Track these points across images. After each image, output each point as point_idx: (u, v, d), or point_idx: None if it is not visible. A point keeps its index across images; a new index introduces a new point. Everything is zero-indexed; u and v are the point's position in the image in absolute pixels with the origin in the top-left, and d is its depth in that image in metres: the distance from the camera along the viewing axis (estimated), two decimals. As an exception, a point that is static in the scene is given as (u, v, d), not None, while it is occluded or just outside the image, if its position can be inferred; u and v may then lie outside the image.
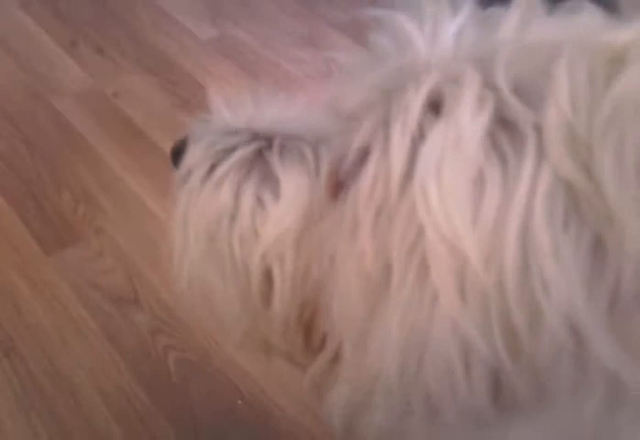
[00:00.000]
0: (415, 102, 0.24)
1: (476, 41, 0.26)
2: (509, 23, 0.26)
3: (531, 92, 0.23)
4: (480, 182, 0.23)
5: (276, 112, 0.34)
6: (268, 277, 0.30)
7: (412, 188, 0.24)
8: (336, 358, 0.29)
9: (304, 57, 1.30)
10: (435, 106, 0.24)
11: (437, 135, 0.24)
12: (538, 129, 0.22)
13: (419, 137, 0.24)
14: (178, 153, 0.34)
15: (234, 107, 0.34)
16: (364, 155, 0.26)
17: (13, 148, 1.10)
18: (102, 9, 1.40)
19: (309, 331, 0.31)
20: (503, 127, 0.23)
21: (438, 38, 0.27)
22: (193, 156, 0.33)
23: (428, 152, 0.23)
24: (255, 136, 0.32)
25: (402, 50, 0.27)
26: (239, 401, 0.76)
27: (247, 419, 0.75)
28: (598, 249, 0.22)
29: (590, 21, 0.26)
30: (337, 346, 0.28)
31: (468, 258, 0.22)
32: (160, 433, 0.73)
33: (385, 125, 0.25)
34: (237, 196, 0.31)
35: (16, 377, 0.79)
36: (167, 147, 1.08)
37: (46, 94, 1.20)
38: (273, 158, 0.31)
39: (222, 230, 0.30)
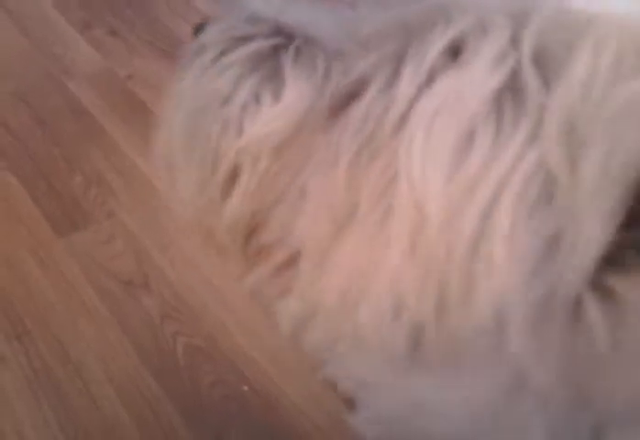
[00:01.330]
0: (437, 43, 0.24)
1: None
2: None
3: (549, 65, 0.22)
4: (466, 145, 0.22)
5: (307, 10, 0.31)
6: (234, 172, 0.29)
7: (402, 132, 0.23)
8: (277, 271, 0.30)
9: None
10: (455, 53, 0.24)
11: (445, 82, 0.23)
12: (541, 107, 0.22)
13: (427, 81, 0.24)
14: (199, 31, 0.33)
15: None
16: (363, 85, 0.26)
17: (26, 129, 1.11)
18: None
19: (250, 237, 0.31)
20: (511, 93, 0.22)
21: None
22: (206, 36, 0.31)
23: (430, 98, 0.23)
24: (276, 30, 0.30)
25: None
26: (245, 387, 0.77)
27: (253, 405, 0.76)
28: (552, 246, 0.21)
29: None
30: (283, 259, 0.29)
31: (429, 218, 0.22)
32: (167, 418, 0.74)
33: (397, 59, 0.25)
34: (235, 86, 0.29)
35: (27, 359, 0.80)
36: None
37: (60, 75, 1.20)
38: (287, 59, 0.29)
39: (208, 113, 0.29)
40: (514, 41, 0.23)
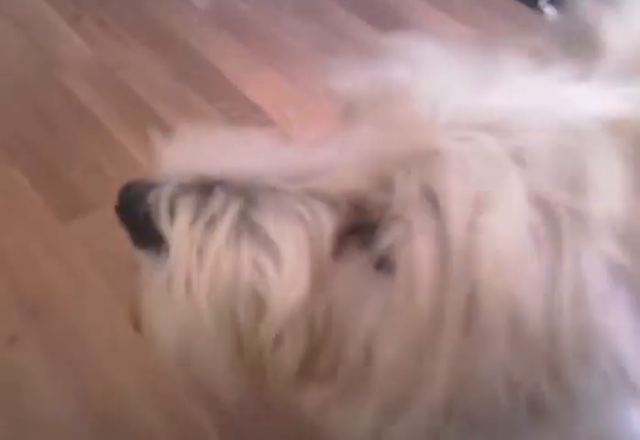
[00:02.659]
0: (459, 191, 0.25)
1: (474, 104, 0.27)
2: (501, 86, 0.28)
3: (564, 174, 0.25)
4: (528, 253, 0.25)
5: (247, 157, 0.32)
6: (278, 339, 0.30)
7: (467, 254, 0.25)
8: (347, 389, 0.32)
9: (303, 28, 1.34)
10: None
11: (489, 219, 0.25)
12: (575, 213, 0.24)
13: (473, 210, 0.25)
14: (127, 206, 0.33)
15: (201, 153, 0.33)
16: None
17: (23, 121, 1.17)
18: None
19: (307, 366, 0.32)
20: (536, 206, 0.25)
21: (440, 97, 0.27)
22: (178, 235, 0.31)
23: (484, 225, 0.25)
24: (233, 192, 0.30)
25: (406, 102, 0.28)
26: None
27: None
28: None
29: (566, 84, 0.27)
30: (349, 378, 0.31)
31: (523, 313, 0.25)
32: (170, 381, 0.82)
33: (428, 198, 0.26)
34: (235, 268, 0.30)
35: (40, 337, 0.88)
36: (170, 119, 1.15)
37: (52, 68, 1.25)
38: (263, 219, 0.30)
39: (226, 300, 0.30)
40: (516, 155, 0.25)
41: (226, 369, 0.32)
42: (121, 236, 1.02)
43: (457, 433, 0.30)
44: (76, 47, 1.29)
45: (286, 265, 0.29)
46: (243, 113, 1.18)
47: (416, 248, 0.26)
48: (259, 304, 0.30)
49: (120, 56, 1.27)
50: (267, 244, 0.30)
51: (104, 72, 1.25)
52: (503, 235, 0.24)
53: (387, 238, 0.27)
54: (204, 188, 0.31)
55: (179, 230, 0.31)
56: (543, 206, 0.24)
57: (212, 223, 0.30)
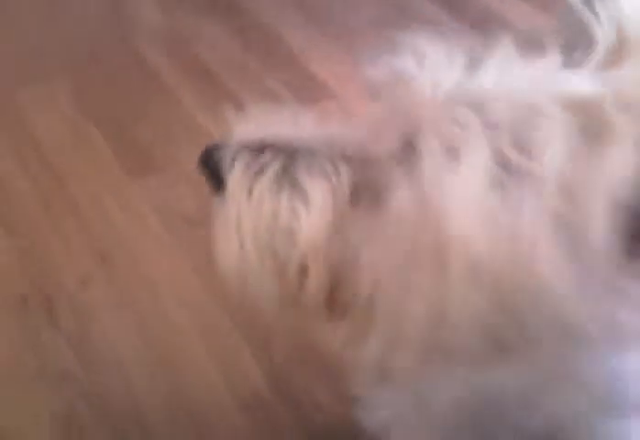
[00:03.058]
0: (435, 148, 0.32)
1: (465, 86, 0.34)
2: (488, 70, 0.34)
3: (520, 140, 0.31)
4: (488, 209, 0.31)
5: (297, 128, 0.41)
6: (304, 269, 0.38)
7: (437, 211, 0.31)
8: (360, 321, 0.37)
9: (368, 4, 1.37)
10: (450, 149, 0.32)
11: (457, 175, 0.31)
12: (527, 171, 0.30)
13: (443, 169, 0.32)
14: (207, 161, 0.41)
15: (262, 121, 0.41)
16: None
17: (98, 82, 1.25)
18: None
19: (331, 301, 0.39)
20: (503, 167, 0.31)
21: (439, 82, 0.34)
22: (233, 180, 0.40)
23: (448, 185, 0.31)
24: (279, 152, 0.39)
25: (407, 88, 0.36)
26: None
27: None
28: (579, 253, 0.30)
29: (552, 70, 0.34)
30: (361, 311, 0.37)
31: (481, 256, 0.30)
32: (226, 331, 0.89)
33: (412, 166, 0.33)
34: (274, 208, 0.38)
35: (109, 281, 0.96)
36: (238, 91, 1.21)
37: (129, 35, 1.33)
38: (299, 173, 0.38)
39: (267, 236, 0.38)
40: (487, 125, 0.31)
41: (271, 295, 0.39)
42: (182, 195, 1.10)
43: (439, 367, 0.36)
44: (154, 17, 1.37)
45: (313, 208, 0.37)
46: (305, 85, 1.23)
47: (401, 193, 0.33)
48: (291, 237, 0.37)
49: (194, 28, 1.34)
50: (301, 192, 0.38)
51: (178, 43, 1.32)
52: (467, 183, 0.31)
53: (387, 186, 0.35)
54: (259, 149, 0.40)
55: (234, 177, 0.40)
56: (502, 164, 0.31)
57: (259, 173, 0.39)
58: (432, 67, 0.35)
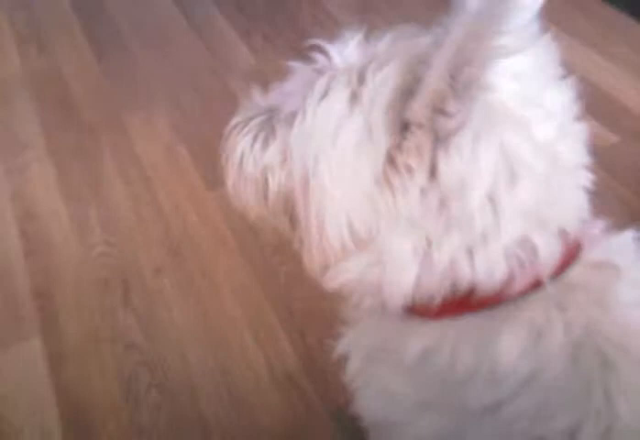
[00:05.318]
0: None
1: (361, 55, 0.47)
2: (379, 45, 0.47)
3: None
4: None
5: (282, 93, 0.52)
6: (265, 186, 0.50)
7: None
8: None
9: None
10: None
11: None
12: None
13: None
14: None
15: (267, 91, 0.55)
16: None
17: (192, 107, 1.44)
18: (274, 4, 1.71)
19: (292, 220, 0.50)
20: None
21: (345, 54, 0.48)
22: (236, 124, 0.53)
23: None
24: (268, 110, 0.51)
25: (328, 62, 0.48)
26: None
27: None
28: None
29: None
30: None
31: None
32: (265, 319, 1.01)
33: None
34: (256, 145, 0.50)
35: (178, 272, 1.11)
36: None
37: (220, 70, 1.53)
38: (277, 122, 0.49)
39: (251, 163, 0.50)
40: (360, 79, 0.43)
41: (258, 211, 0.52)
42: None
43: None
44: (243, 55, 1.56)
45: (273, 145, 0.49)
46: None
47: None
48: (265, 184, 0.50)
49: (277, 64, 1.51)
50: (273, 135, 0.49)
51: (263, 78, 1.49)
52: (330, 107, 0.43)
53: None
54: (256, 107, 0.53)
55: (231, 135, 0.53)
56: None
57: (250, 121, 0.52)
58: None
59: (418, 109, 0.39)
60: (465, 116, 0.38)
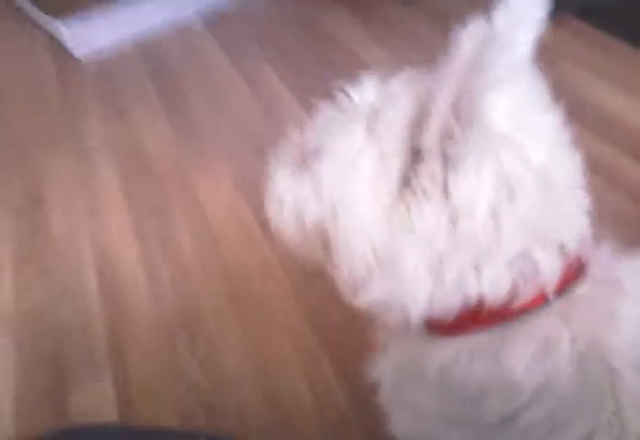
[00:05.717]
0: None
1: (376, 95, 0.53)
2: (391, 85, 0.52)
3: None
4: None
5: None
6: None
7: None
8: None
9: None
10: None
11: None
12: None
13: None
14: None
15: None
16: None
17: (252, 171, 1.52)
18: (321, 62, 1.83)
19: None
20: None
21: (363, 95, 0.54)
22: (276, 163, 0.61)
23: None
24: (300, 147, 0.58)
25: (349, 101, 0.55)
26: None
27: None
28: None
29: None
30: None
31: None
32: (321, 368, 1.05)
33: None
34: (293, 181, 0.56)
35: (239, 319, 1.18)
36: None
37: (281, 132, 1.63)
38: (309, 158, 0.54)
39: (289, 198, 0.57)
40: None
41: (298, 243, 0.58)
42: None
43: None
44: (295, 114, 1.67)
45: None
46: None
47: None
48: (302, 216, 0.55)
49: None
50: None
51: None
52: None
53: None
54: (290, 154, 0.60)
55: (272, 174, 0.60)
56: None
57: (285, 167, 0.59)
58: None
59: (428, 137, 0.45)
60: (469, 140, 0.43)
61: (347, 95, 0.55)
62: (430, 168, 0.45)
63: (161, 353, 1.14)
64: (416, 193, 0.46)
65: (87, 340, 1.19)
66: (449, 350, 0.52)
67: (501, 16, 0.45)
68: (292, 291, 1.20)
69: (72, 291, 1.29)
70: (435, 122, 0.44)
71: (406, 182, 0.47)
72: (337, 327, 1.10)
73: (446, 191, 0.45)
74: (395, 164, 0.48)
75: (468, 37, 0.45)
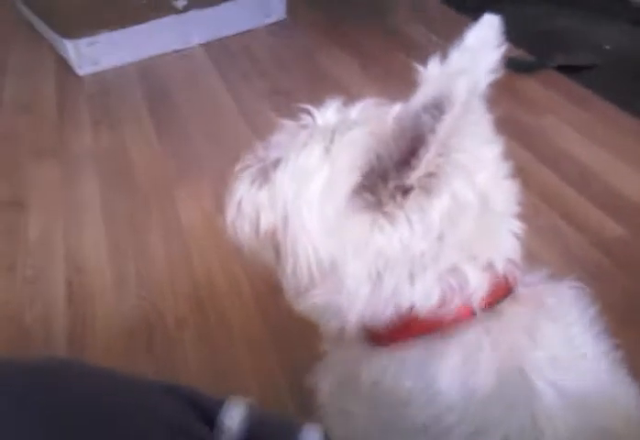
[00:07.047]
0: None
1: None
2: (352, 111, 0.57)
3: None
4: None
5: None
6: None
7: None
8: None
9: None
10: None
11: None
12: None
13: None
14: None
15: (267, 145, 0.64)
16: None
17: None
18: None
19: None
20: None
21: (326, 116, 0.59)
22: (238, 171, 0.64)
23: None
24: (263, 159, 0.62)
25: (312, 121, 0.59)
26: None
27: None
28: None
29: None
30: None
31: None
32: (274, 378, 1.07)
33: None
34: (252, 188, 0.60)
35: (201, 328, 1.19)
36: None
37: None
38: (269, 169, 0.58)
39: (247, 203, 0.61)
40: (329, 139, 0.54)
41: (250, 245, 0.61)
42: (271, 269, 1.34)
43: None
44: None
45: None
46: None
47: None
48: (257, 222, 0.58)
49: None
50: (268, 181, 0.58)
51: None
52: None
53: None
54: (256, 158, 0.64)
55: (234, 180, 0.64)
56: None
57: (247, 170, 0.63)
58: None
59: (414, 174, 0.47)
60: (445, 175, 0.48)
61: (311, 115, 0.60)
62: (391, 189, 0.49)
63: (120, 355, 1.15)
64: (374, 211, 0.50)
65: (49, 337, 1.21)
66: (383, 359, 0.55)
67: (457, 57, 0.50)
68: (256, 305, 1.22)
69: (41, 297, 1.31)
70: (424, 162, 0.46)
71: (364, 200, 0.51)
72: (295, 340, 1.12)
73: (405, 212, 0.49)
74: (347, 183, 0.51)
75: (428, 76, 0.49)
